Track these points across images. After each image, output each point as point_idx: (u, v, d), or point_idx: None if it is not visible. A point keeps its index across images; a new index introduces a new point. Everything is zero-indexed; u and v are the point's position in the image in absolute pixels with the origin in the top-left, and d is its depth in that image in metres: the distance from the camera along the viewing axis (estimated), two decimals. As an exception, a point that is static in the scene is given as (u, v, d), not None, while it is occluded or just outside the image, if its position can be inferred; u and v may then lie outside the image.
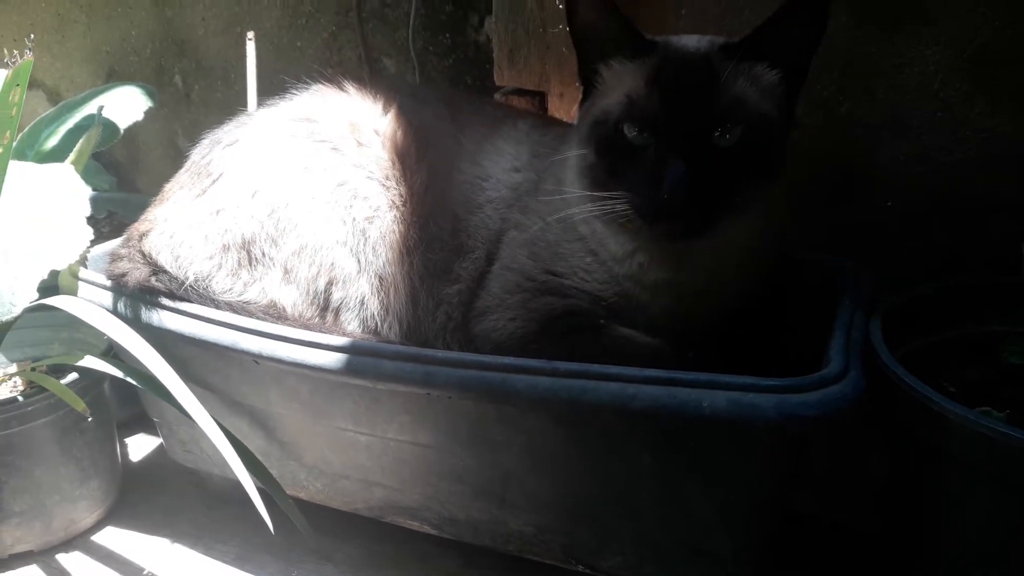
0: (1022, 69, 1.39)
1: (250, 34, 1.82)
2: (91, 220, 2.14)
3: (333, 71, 1.95)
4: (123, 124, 1.93)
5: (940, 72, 1.44)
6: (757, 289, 1.26)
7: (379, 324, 1.24)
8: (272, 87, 1.70)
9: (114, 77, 2.34)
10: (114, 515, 1.54)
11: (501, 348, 1.19)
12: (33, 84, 2.52)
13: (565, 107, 1.55)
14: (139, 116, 1.94)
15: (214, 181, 1.27)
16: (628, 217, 1.08)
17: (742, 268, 1.22)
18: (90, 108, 1.97)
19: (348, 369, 1.11)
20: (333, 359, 1.12)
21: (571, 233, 1.21)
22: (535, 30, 1.52)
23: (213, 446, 1.21)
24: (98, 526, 1.51)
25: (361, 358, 1.11)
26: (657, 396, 0.99)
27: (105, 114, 1.92)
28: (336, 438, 1.26)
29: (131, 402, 1.64)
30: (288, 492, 1.36)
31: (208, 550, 1.45)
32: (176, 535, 1.48)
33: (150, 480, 1.63)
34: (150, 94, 2.00)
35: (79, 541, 1.48)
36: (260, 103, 1.81)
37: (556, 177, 1.25)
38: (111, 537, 1.50)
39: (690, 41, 1.15)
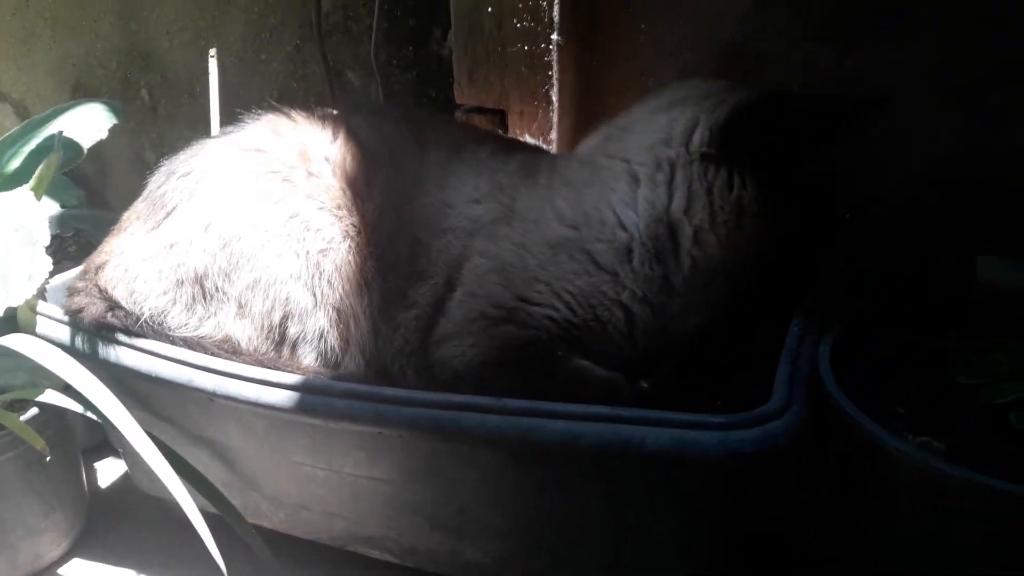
0: (975, 82, 1.39)
1: (212, 51, 1.81)
2: (57, 239, 2.15)
3: (296, 85, 1.97)
4: (87, 143, 1.91)
5: (899, 86, 1.44)
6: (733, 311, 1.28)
7: (340, 356, 1.24)
8: (239, 100, 1.70)
9: (80, 90, 2.33)
10: (80, 546, 1.54)
11: (460, 376, 1.20)
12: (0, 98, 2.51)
13: (525, 124, 1.55)
14: (103, 134, 1.92)
15: (168, 214, 1.27)
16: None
17: None
18: (54, 127, 1.94)
19: (300, 408, 1.12)
20: (285, 397, 1.12)
21: (564, 256, 1.22)
22: (493, 49, 1.51)
23: (182, 476, 1.22)
24: (64, 558, 1.51)
25: (312, 396, 1.11)
26: (603, 434, 1.00)
27: (69, 133, 1.90)
28: (294, 472, 1.26)
29: (100, 428, 1.64)
30: (252, 521, 1.36)
31: (173, 578, 1.46)
32: (142, 565, 1.48)
33: (117, 508, 1.62)
34: (114, 111, 1.98)
35: (45, 575, 1.48)
36: (224, 119, 1.81)
37: (543, 204, 1.26)
38: (78, 569, 1.50)
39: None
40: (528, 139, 1.52)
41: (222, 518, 1.30)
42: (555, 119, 1.52)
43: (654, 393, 1.18)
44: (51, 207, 2.08)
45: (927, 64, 1.41)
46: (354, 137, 1.29)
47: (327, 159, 1.28)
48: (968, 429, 1.16)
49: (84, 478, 1.59)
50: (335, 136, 1.30)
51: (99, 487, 1.70)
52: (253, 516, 1.38)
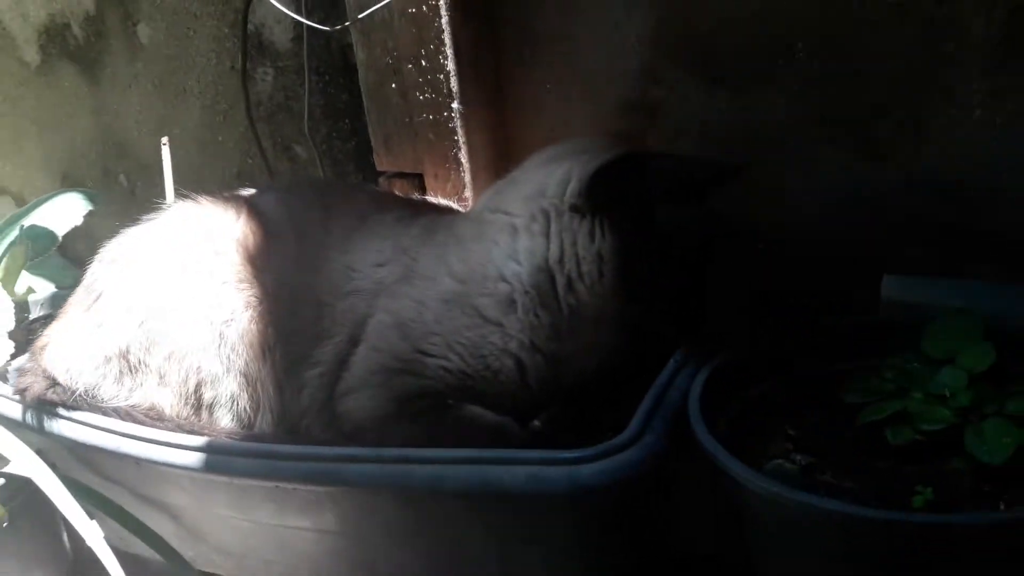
0: (862, 115, 1.45)
1: (164, 139, 1.95)
2: (49, 318, 2.28)
3: (252, 162, 2.10)
4: (62, 231, 2.06)
5: (787, 123, 1.51)
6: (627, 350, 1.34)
7: (252, 417, 1.33)
8: (200, 180, 1.84)
9: (68, 179, 2.50)
10: (64, 602, 1.65)
11: (362, 427, 1.28)
12: (1, 191, 2.70)
13: (440, 186, 1.65)
14: (78, 221, 2.07)
15: (96, 298, 1.39)
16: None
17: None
18: (32, 219, 2.11)
19: (207, 468, 1.21)
20: (195, 459, 1.22)
21: (456, 310, 1.30)
22: (402, 120, 1.63)
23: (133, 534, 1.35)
24: (49, 614, 1.62)
25: (216, 457, 1.21)
26: (465, 476, 1.07)
27: (46, 222, 2.05)
28: (225, 524, 1.35)
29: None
30: (207, 570, 1.46)
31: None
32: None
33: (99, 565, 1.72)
34: (91, 198, 2.13)
35: (29, 630, 1.59)
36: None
37: (438, 263, 1.34)
38: (62, 624, 1.60)
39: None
40: (442, 200, 1.61)
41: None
42: (467, 179, 1.61)
43: (547, 433, 1.24)
44: (47, 288, 2.21)
45: (812, 103, 1.48)
46: (257, 215, 1.40)
47: (231, 237, 1.39)
48: (846, 448, 1.20)
49: (65, 538, 1.69)
50: (239, 216, 1.41)
51: (82, 545, 1.80)
52: (205, 565, 1.47)
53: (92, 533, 1.29)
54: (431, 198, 1.62)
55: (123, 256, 1.41)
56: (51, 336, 1.44)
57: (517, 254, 1.29)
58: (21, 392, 1.40)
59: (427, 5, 1.50)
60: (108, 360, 1.35)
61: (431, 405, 1.25)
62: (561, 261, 1.27)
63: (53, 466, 1.46)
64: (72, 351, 1.38)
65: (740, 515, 1.06)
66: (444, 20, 1.51)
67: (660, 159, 1.31)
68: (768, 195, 1.55)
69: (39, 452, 1.54)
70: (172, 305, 1.34)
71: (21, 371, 1.46)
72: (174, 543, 1.39)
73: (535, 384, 1.29)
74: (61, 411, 1.37)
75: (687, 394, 1.18)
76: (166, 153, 1.95)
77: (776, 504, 0.98)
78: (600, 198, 1.25)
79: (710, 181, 1.29)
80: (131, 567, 1.64)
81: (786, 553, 1.05)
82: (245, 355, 1.33)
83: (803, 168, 1.51)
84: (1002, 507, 1.03)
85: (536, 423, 1.25)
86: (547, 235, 1.28)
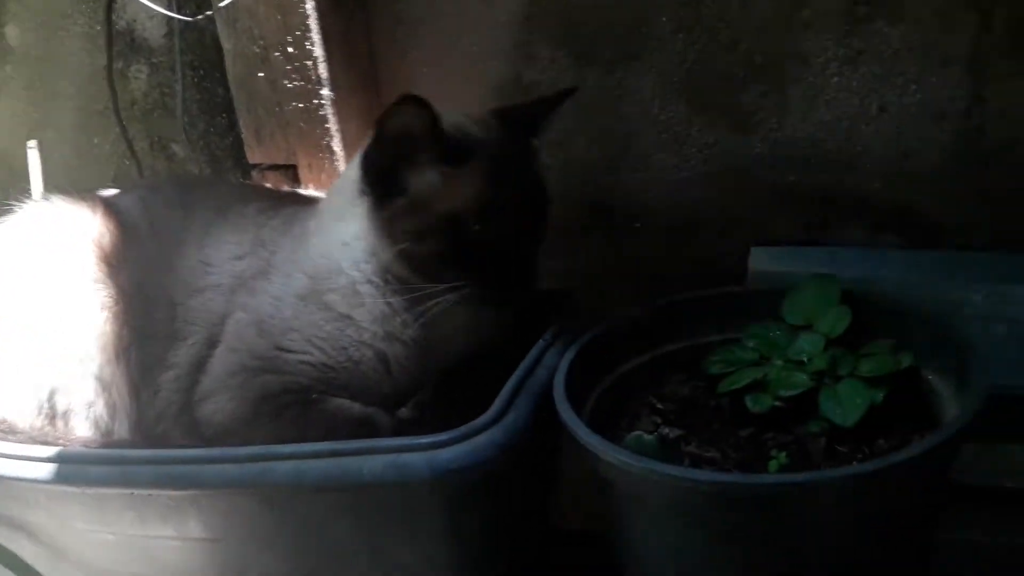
0: (726, 87, 1.46)
1: (31, 143, 1.87)
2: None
3: (129, 162, 2.03)
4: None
5: (656, 97, 1.51)
6: (496, 331, 1.33)
7: (110, 424, 1.28)
8: (77, 184, 1.76)
9: (-61, 191, 2.38)
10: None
11: (225, 430, 1.23)
12: None
13: (313, 176, 1.62)
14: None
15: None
16: (457, 299, 1.19)
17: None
18: None
19: (60, 479, 1.15)
20: (46, 471, 1.15)
21: (313, 305, 1.26)
22: (272, 109, 1.58)
23: None
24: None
25: (68, 466, 1.14)
26: (325, 468, 1.04)
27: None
28: (86, 539, 1.28)
29: None
30: (77, 593, 1.39)
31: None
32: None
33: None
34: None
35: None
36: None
37: (293, 257, 1.30)
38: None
39: (495, 133, 1.26)
40: (314, 191, 1.57)
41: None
42: (342, 168, 1.58)
43: (415, 419, 1.22)
44: None
45: (679, 77, 1.48)
46: (115, 213, 1.35)
47: (84, 236, 1.33)
48: (710, 419, 1.21)
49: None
50: (94, 214, 1.35)
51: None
52: (75, 588, 1.41)
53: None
54: (301, 190, 1.58)
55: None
56: None
57: (349, 243, 1.25)
58: None
59: (292, -10, 1.46)
60: (-50, 373, 1.28)
61: (294, 401, 1.21)
62: (381, 247, 1.22)
63: None
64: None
65: (603, 489, 1.06)
66: (310, 5, 1.48)
67: (509, 109, 1.32)
68: (640, 170, 1.56)
69: None
70: (20, 307, 1.28)
71: None
72: (37, 565, 1.33)
73: (399, 373, 1.26)
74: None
75: (554, 372, 1.17)
76: (33, 157, 1.87)
77: (629, 474, 0.97)
78: (374, 177, 1.21)
79: (537, 116, 1.30)
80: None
81: (646, 523, 1.05)
82: (99, 358, 1.27)
83: (673, 142, 1.52)
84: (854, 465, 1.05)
85: (403, 410, 1.23)
86: (368, 219, 1.23)
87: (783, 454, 1.06)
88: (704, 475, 0.93)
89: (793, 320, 1.25)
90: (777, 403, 1.14)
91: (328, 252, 1.26)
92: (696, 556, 1.01)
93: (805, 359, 1.18)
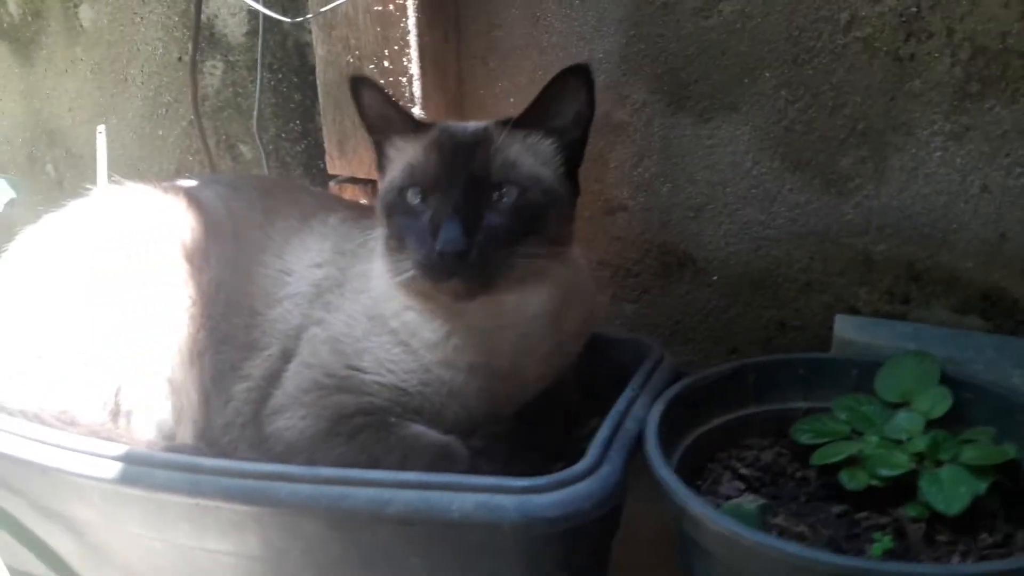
0: (825, 149, 1.44)
1: (100, 127, 1.84)
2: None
3: (192, 159, 2.00)
4: (-20, 217, 1.93)
5: (751, 151, 1.49)
6: (564, 368, 1.28)
7: (174, 428, 1.23)
8: (138, 174, 1.73)
9: (-10, 165, 2.35)
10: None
11: (293, 448, 1.19)
12: (-84, 173, 2.52)
13: (392, 195, 1.58)
14: (-1, 208, 1.95)
15: (8, 291, 1.27)
16: (412, 277, 1.12)
17: (549, 346, 1.24)
18: (-54, 203, 1.96)
19: (123, 479, 1.10)
20: (110, 469, 1.11)
21: (380, 327, 1.22)
22: (359, 122, 1.54)
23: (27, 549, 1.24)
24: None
25: (135, 467, 1.10)
26: (410, 501, 0.99)
27: (-37, 208, 1.92)
28: (135, 543, 1.23)
29: None
30: (111, 595, 1.33)
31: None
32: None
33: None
34: (13, 186, 2.00)
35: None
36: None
37: (361, 273, 1.26)
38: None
39: (470, 122, 1.24)
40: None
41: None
42: (422, 188, 1.54)
43: (486, 451, 1.17)
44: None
45: (776, 133, 1.46)
46: (198, 209, 1.31)
47: (168, 231, 1.29)
48: (798, 490, 1.17)
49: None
50: (179, 208, 1.32)
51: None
52: (111, 590, 1.35)
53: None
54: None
55: (43, 243, 1.30)
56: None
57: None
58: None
59: (394, 4, 1.44)
60: (18, 357, 1.23)
61: (370, 423, 1.17)
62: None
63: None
64: (-21, 347, 1.26)
65: (694, 553, 1.01)
66: (411, 21, 1.45)
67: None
68: (725, 223, 1.53)
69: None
70: (94, 301, 1.23)
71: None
72: (75, 563, 1.28)
73: (468, 401, 1.21)
74: (-40, 410, 1.25)
75: (642, 425, 1.13)
76: (101, 142, 1.83)
77: (733, 544, 0.93)
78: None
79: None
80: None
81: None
82: (172, 360, 1.23)
83: (763, 198, 1.50)
84: (957, 559, 1.01)
85: (475, 440, 1.18)
86: None
87: (887, 537, 1.02)
88: (826, 556, 0.89)
89: (887, 396, 1.21)
90: (874, 482, 1.09)
91: (382, 271, 1.21)
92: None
93: (904, 438, 1.14)
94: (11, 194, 1.99)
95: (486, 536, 1.00)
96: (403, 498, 1.00)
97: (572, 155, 1.21)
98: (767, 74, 1.44)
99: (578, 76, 1.15)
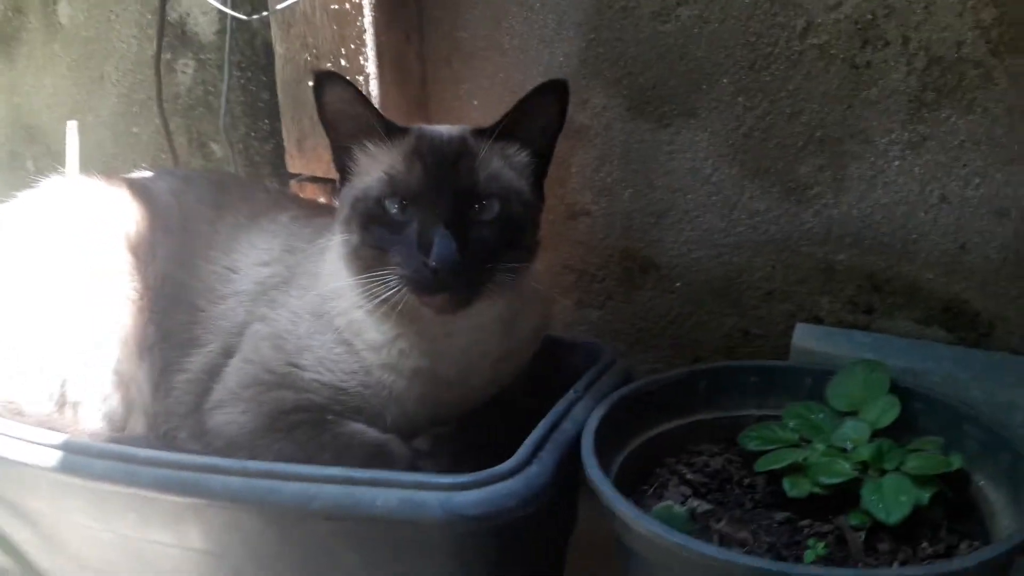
0: (783, 156, 1.43)
1: (71, 123, 1.84)
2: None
3: (165, 157, 2.00)
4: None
5: (710, 158, 1.48)
6: (514, 375, 1.27)
7: (124, 418, 1.23)
8: (109, 171, 1.73)
9: (-31, 161, 2.36)
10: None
11: (234, 444, 1.18)
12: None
13: (353, 194, 1.57)
14: (-30, 204, 1.95)
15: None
16: (398, 292, 1.07)
17: (499, 354, 1.22)
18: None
19: (62, 468, 1.10)
20: (51, 457, 1.11)
21: (325, 325, 1.21)
22: (317, 119, 1.54)
23: None
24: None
25: (74, 456, 1.10)
26: (335, 496, 0.99)
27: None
28: (85, 534, 1.23)
29: None
30: (66, 584, 1.33)
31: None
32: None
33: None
34: (-13, 182, 2.01)
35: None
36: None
37: (312, 271, 1.25)
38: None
39: (443, 128, 1.20)
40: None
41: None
42: (383, 187, 1.54)
43: (431, 452, 1.16)
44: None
45: (735, 139, 1.45)
46: (147, 201, 1.31)
47: (115, 224, 1.29)
48: (743, 497, 1.16)
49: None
50: (126, 200, 1.31)
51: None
52: (69, 581, 1.34)
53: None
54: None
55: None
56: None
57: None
58: None
59: (350, 2, 1.44)
60: (-37, 348, 1.23)
61: (308, 420, 1.16)
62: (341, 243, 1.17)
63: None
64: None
65: (624, 555, 1.00)
66: (367, 20, 1.45)
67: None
68: (686, 229, 1.52)
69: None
70: (39, 291, 1.23)
71: None
72: (31, 552, 1.28)
73: (409, 405, 1.20)
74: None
75: (582, 427, 1.12)
76: (72, 136, 1.83)
77: (657, 547, 0.92)
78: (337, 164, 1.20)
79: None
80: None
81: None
82: (119, 353, 1.22)
83: (723, 205, 1.49)
84: (895, 567, 0.99)
85: (420, 440, 1.17)
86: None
87: (821, 544, 1.01)
88: (743, 559, 0.88)
89: (838, 404, 1.20)
90: (817, 490, 1.08)
91: (335, 271, 1.19)
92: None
93: (849, 447, 1.13)
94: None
95: (414, 532, 1.00)
96: (328, 492, 0.99)
97: (541, 166, 1.20)
98: (724, 80, 1.43)
99: (556, 91, 1.14)
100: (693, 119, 1.48)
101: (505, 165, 1.15)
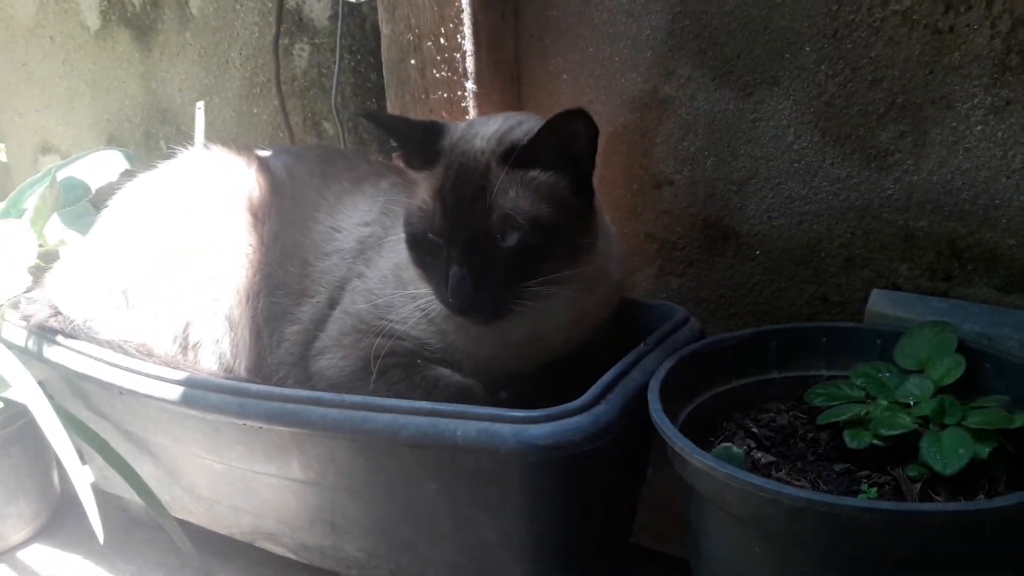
0: (864, 123, 1.45)
1: (200, 103, 2.03)
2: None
3: (283, 135, 2.17)
4: (96, 184, 2.15)
5: (792, 125, 1.51)
6: (589, 334, 1.35)
7: (231, 361, 1.38)
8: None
9: (114, 141, 2.61)
10: (44, 534, 1.73)
11: (334, 385, 1.31)
12: (50, 149, 2.83)
13: (449, 165, 1.68)
14: (113, 177, 2.15)
15: (104, 235, 1.46)
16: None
17: (568, 325, 1.31)
18: (69, 171, 2.21)
19: (183, 401, 1.26)
20: (172, 392, 1.27)
21: (402, 288, 1.32)
22: (419, 96, 1.67)
23: (116, 471, 1.40)
24: (26, 543, 1.70)
25: (192, 391, 1.25)
26: (421, 426, 1.10)
27: (81, 175, 2.15)
28: (198, 465, 1.39)
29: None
30: (179, 515, 1.50)
31: (112, 568, 1.60)
32: (90, 554, 1.65)
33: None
34: (128, 157, 2.22)
35: (7, 556, 1.66)
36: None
37: (399, 236, 1.37)
38: (36, 554, 1.67)
39: (477, 142, 1.24)
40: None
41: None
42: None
43: (511, 404, 1.26)
44: (72, 236, 2.31)
45: (817, 107, 1.48)
46: (265, 172, 1.46)
47: (236, 188, 1.44)
48: (805, 450, 1.20)
49: (55, 474, 1.76)
50: (249, 169, 1.47)
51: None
52: (179, 511, 1.52)
53: (81, 478, 1.35)
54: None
55: (134, 197, 1.48)
56: (59, 268, 1.52)
57: None
58: (26, 318, 1.48)
59: (451, -16, 1.54)
60: (108, 295, 1.41)
61: (399, 363, 1.28)
62: None
63: (51, 398, 1.53)
64: (76, 283, 1.45)
65: (686, 495, 1.07)
66: (465, 1, 1.55)
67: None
68: (768, 197, 1.56)
69: (40, 383, 1.62)
70: (170, 246, 1.40)
71: (28, 299, 1.54)
72: (152, 485, 1.44)
73: (486, 364, 1.29)
74: (60, 339, 1.44)
75: (651, 376, 1.19)
76: (200, 116, 2.03)
77: (712, 481, 0.98)
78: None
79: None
80: (111, 510, 1.73)
81: (723, 533, 1.05)
82: (231, 300, 1.38)
83: (804, 172, 1.52)
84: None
85: (502, 394, 1.27)
86: None
87: (873, 490, 1.05)
88: (788, 489, 0.93)
89: (904, 363, 1.23)
90: (876, 442, 1.12)
91: None
92: (768, 571, 1.01)
93: (911, 402, 1.16)
94: (125, 165, 2.22)
95: (490, 461, 1.10)
96: (415, 423, 1.10)
97: (579, 177, 1.22)
98: (807, 48, 1.46)
99: (575, 120, 1.17)
100: (776, 87, 1.51)
101: (524, 192, 1.18)
